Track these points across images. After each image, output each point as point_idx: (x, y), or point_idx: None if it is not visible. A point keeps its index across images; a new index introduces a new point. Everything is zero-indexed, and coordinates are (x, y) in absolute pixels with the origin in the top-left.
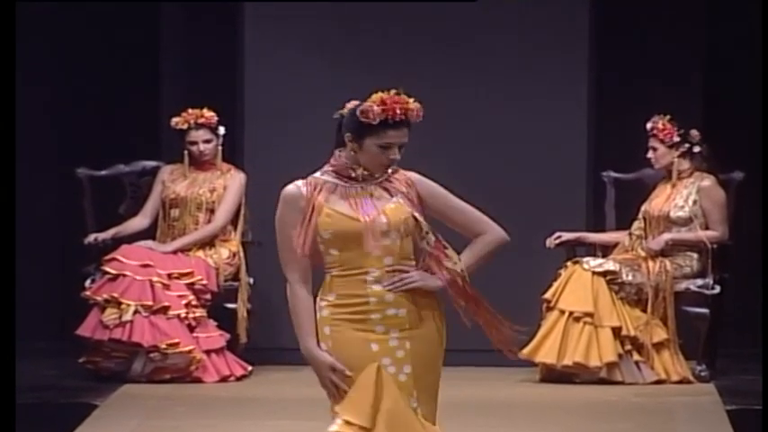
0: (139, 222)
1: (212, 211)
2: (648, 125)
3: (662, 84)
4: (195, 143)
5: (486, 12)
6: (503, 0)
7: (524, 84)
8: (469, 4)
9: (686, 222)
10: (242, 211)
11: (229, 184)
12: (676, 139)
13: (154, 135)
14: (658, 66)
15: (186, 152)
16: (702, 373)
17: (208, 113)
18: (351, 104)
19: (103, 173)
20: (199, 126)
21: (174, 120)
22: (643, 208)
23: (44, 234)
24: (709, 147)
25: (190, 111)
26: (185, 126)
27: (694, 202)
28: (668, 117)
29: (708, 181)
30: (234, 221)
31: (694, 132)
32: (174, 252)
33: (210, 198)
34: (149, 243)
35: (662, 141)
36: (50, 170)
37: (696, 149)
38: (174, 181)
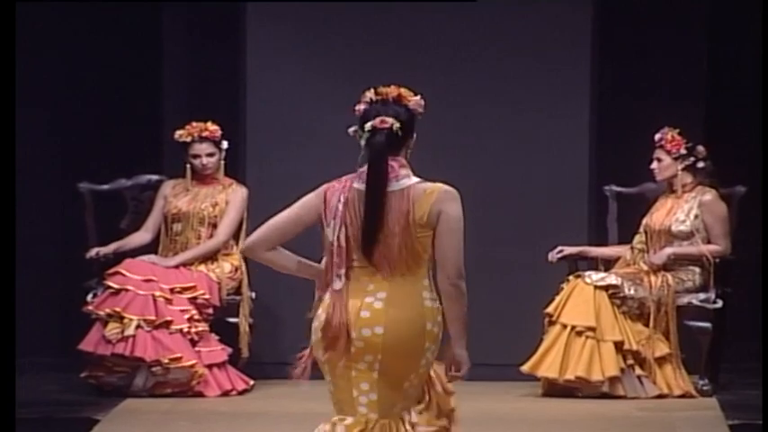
0: (141, 237)
1: (214, 226)
2: (657, 136)
3: (664, 98)
4: (198, 156)
5: (487, 27)
6: (503, 15)
7: (526, 98)
8: (471, 14)
9: (687, 236)
10: (244, 226)
11: (231, 199)
12: (683, 151)
13: (156, 149)
14: (660, 80)
15: (188, 166)
16: (705, 388)
17: (212, 127)
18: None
19: (105, 187)
20: (202, 139)
21: (178, 132)
22: (644, 222)
23: (46, 248)
24: (713, 162)
25: (194, 124)
26: (189, 139)
27: (696, 216)
28: (677, 130)
29: (709, 195)
30: (236, 236)
31: (700, 148)
32: (177, 266)
33: (213, 213)
34: (152, 257)
35: (668, 152)
36: (52, 184)
37: (700, 165)
38: (176, 196)
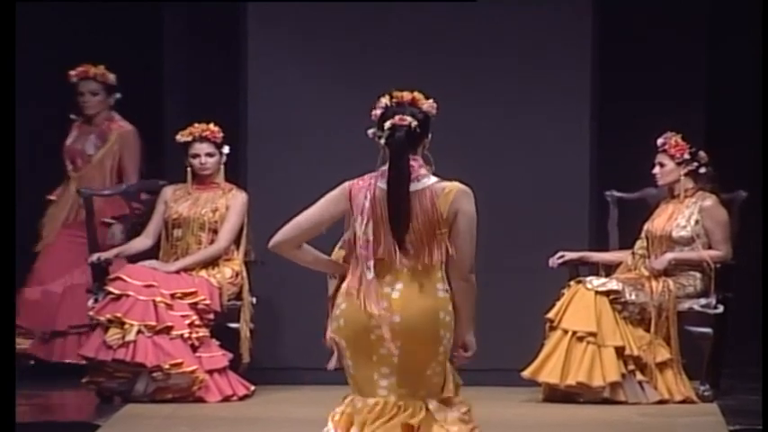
0: (142, 243)
1: (215, 231)
2: (660, 140)
3: (664, 103)
4: (197, 156)
5: (487, 33)
6: (503, 21)
7: (526, 103)
8: (472, 19)
9: (688, 242)
10: (244, 231)
11: (231, 204)
12: (686, 156)
13: (157, 155)
14: (661, 86)
15: (189, 168)
16: (706, 393)
17: (213, 128)
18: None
19: (107, 192)
20: (203, 139)
21: (180, 133)
22: (645, 227)
23: None
24: (714, 168)
25: (195, 125)
26: (189, 138)
27: (696, 221)
28: (680, 135)
29: (710, 201)
30: (236, 241)
31: (702, 154)
32: (177, 272)
33: (213, 218)
34: (153, 263)
35: (672, 157)
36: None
37: (702, 170)
38: (176, 201)
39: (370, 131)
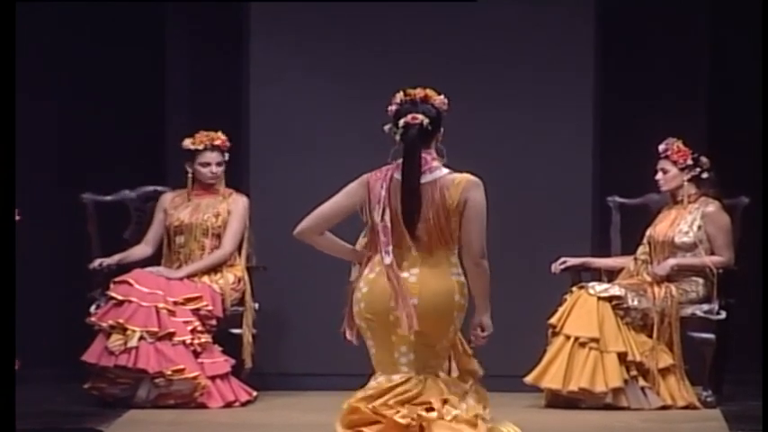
0: (143, 250)
1: (218, 236)
2: (662, 147)
3: (666, 109)
4: (208, 164)
5: (490, 39)
6: (506, 27)
7: (528, 109)
8: (475, 25)
9: (691, 248)
10: (246, 234)
11: (233, 209)
12: (689, 162)
13: (159, 160)
14: (663, 91)
15: (191, 174)
16: (708, 399)
17: (222, 136)
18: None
19: (109, 198)
20: (214, 148)
21: (188, 141)
22: (648, 233)
23: (49, 259)
24: (716, 173)
25: (203, 132)
26: (201, 147)
27: (699, 227)
28: (681, 141)
29: (712, 206)
30: (238, 246)
31: (705, 159)
32: (183, 279)
33: (216, 223)
34: (161, 270)
35: (674, 163)
36: (55, 195)
37: (705, 176)
38: (176, 208)
39: (386, 127)
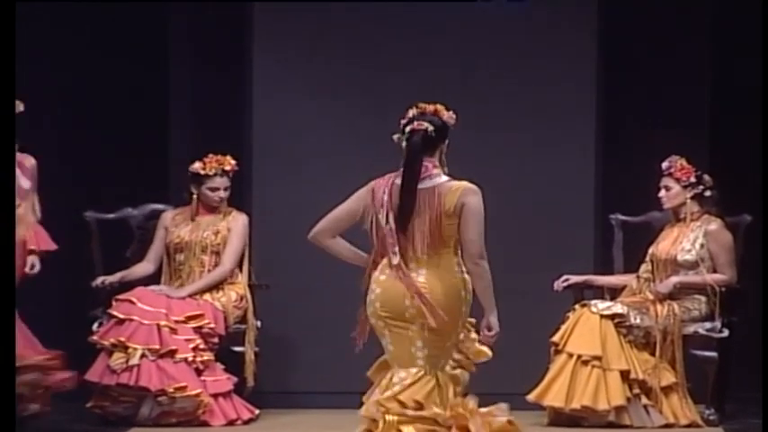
0: (144, 268)
1: (218, 254)
2: (665, 164)
3: (668, 127)
4: (217, 189)
5: (492, 55)
6: (508, 44)
7: (531, 126)
8: (476, 41)
9: (693, 266)
10: (246, 252)
11: (233, 227)
12: (692, 179)
13: (162, 178)
14: (665, 109)
15: (196, 196)
16: (711, 417)
17: (232, 161)
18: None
19: (111, 216)
20: (224, 173)
21: (197, 165)
22: (650, 251)
23: (51, 277)
24: (719, 191)
25: (212, 156)
26: (212, 172)
27: (701, 245)
28: (684, 159)
29: (714, 224)
30: (239, 263)
31: (707, 177)
32: (185, 297)
33: (215, 241)
34: (163, 288)
35: (677, 180)
36: (58, 213)
37: (708, 193)
38: (177, 226)
39: (395, 136)
